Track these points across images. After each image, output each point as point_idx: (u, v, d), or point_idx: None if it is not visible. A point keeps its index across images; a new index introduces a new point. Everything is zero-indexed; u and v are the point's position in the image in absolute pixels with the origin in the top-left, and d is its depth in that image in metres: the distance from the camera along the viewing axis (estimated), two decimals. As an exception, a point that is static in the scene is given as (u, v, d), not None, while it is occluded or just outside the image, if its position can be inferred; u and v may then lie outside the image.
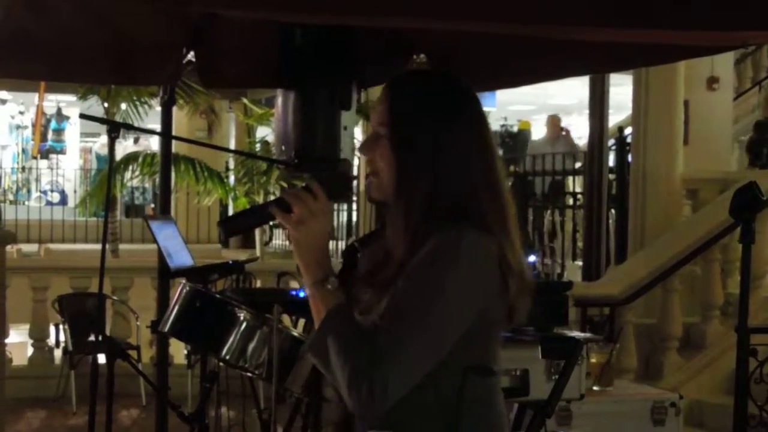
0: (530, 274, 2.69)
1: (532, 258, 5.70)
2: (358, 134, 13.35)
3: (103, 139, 22.32)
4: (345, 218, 17.99)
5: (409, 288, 2.52)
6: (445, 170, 2.59)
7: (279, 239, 20.09)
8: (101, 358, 5.46)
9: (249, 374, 4.68)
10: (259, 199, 15.45)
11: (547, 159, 13.15)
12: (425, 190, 2.58)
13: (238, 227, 2.89)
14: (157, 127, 7.23)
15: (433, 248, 2.53)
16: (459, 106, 2.66)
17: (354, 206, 16.96)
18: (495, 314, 2.61)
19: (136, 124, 13.80)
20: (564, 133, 16.46)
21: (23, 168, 24.05)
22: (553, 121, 16.40)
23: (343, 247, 14.05)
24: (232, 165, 18.28)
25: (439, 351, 2.53)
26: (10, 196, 23.13)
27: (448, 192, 2.58)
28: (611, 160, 10.89)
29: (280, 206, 2.61)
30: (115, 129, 5.44)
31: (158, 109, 7.07)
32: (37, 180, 23.82)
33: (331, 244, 12.95)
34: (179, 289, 4.56)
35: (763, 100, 15.30)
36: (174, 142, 8.84)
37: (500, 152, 16.95)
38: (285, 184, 14.91)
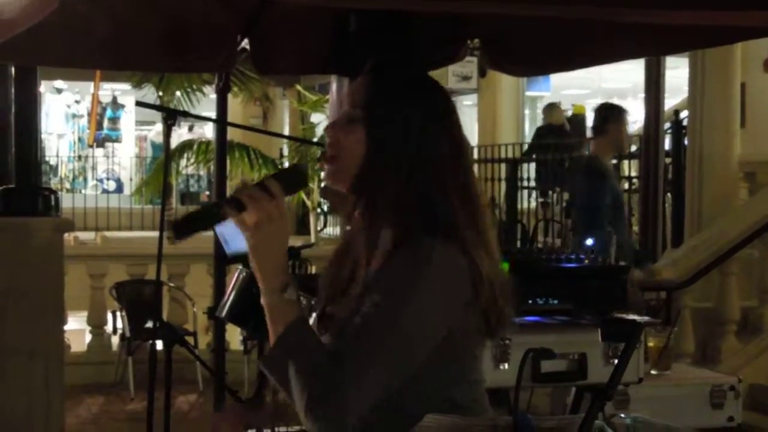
0: (505, 280, 2.51)
1: (589, 242, 5.67)
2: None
3: (158, 127, 22.46)
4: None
5: (373, 307, 2.38)
6: (419, 168, 2.46)
7: (331, 226, 20.14)
8: (159, 345, 5.49)
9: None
10: (314, 187, 15.45)
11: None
12: (394, 184, 2.46)
13: (189, 230, 2.60)
14: (212, 114, 7.26)
15: (401, 265, 2.40)
16: (442, 107, 2.55)
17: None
18: (465, 332, 2.47)
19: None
20: None
21: (79, 157, 24.22)
22: None
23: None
24: (286, 152, 18.31)
25: (404, 373, 2.39)
26: (67, 185, 23.30)
27: (418, 191, 2.45)
28: (667, 144, 10.79)
29: (235, 206, 2.43)
30: (172, 116, 5.47)
31: (211, 97, 7.11)
32: (93, 168, 24.00)
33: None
34: (236, 274, 4.58)
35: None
36: (228, 129, 8.88)
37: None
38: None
